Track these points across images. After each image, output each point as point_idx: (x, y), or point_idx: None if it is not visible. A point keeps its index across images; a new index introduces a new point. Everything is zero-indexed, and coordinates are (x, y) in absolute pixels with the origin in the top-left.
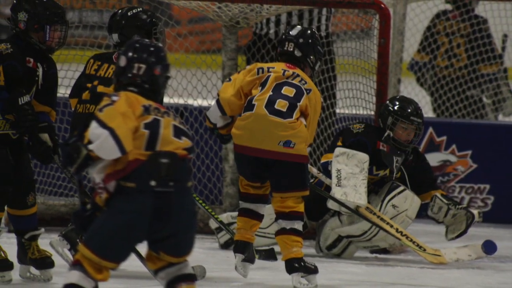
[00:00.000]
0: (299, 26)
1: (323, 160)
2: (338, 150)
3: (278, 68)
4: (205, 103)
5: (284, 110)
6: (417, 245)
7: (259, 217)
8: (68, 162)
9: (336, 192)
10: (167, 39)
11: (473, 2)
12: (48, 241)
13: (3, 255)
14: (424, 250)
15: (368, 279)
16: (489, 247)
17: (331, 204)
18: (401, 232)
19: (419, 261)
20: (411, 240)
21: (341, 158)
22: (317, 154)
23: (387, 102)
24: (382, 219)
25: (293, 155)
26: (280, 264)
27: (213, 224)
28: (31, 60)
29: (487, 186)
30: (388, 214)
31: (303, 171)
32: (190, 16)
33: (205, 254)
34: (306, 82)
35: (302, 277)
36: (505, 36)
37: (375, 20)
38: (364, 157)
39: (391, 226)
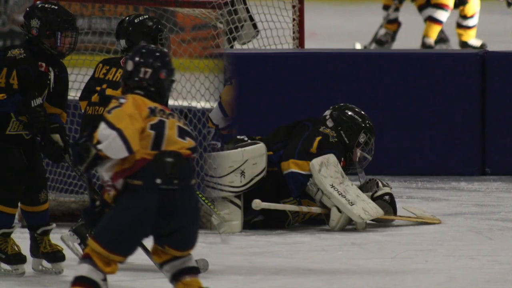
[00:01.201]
0: None
1: (294, 169)
2: (316, 163)
3: None
4: (207, 106)
5: None
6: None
7: None
8: (78, 161)
9: (356, 212)
10: (172, 45)
11: None
12: (59, 236)
13: (16, 249)
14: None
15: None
16: None
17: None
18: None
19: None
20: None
21: (324, 171)
22: None
23: (348, 113)
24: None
25: None
26: (281, 259)
27: (215, 220)
28: (43, 64)
29: None
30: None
31: None
32: (193, 23)
33: (208, 248)
34: None
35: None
36: None
37: None
38: (334, 159)
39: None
